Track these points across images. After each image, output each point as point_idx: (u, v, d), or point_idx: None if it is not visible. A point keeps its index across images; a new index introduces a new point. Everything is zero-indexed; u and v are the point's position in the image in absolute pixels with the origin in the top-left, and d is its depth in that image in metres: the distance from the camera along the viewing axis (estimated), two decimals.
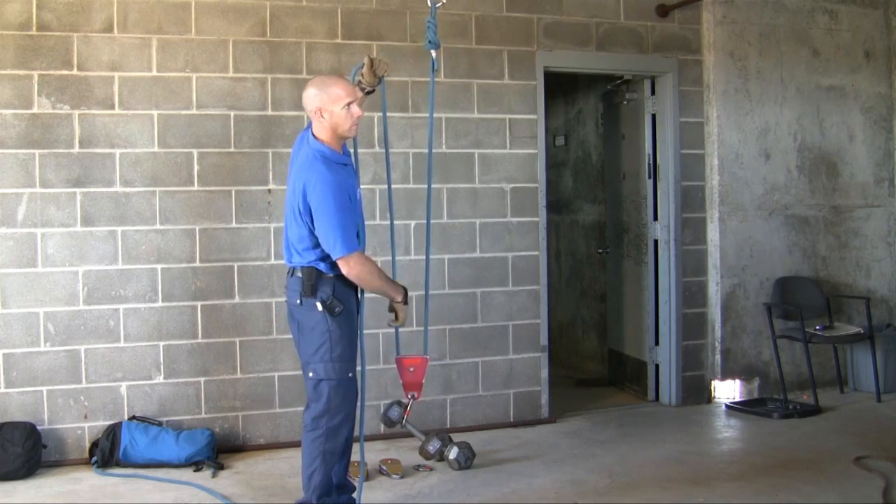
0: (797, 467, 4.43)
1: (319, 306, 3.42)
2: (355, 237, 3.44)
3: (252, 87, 4.89)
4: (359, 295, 3.63)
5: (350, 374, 3.48)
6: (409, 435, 4.76)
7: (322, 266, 3.46)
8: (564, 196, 7.87)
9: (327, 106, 3.45)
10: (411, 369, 3.72)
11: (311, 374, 3.47)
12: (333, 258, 3.41)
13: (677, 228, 5.83)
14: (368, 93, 3.78)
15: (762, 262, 6.00)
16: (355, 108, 3.50)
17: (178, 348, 4.77)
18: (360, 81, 3.71)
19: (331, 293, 3.43)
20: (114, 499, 4.11)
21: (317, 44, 5.00)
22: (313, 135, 3.52)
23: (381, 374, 5.00)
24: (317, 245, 3.44)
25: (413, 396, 3.78)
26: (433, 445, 4.07)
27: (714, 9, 5.84)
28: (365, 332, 4.40)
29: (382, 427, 5.01)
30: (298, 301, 3.46)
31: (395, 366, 3.88)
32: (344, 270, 3.42)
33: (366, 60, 3.70)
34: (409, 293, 3.67)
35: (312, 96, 3.49)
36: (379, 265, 3.62)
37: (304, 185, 3.42)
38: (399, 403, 4.27)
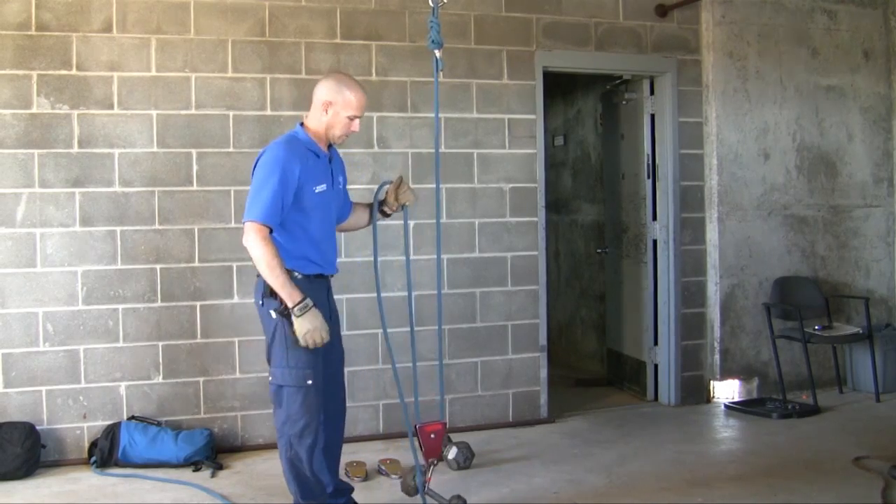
0: (796, 467, 4.43)
1: (273, 313, 3.31)
2: (271, 213, 3.26)
3: (251, 87, 4.89)
4: (328, 300, 3.52)
5: (309, 382, 3.32)
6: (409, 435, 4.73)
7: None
8: (563, 196, 7.87)
9: (337, 106, 3.40)
10: (432, 436, 3.63)
11: (270, 379, 3.39)
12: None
13: (676, 228, 5.83)
14: (385, 214, 3.72)
15: (761, 262, 6.00)
16: (356, 124, 3.46)
17: (176, 348, 4.77)
18: (381, 202, 3.70)
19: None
20: (113, 499, 4.11)
21: (316, 44, 5.00)
22: (302, 123, 3.49)
23: (379, 374, 5.01)
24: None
25: (434, 463, 3.68)
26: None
27: (713, 9, 5.84)
28: (362, 332, 4.36)
29: (381, 426, 5.03)
30: (260, 302, 3.39)
31: (391, 366, 3.85)
32: (243, 237, 3.33)
33: (394, 179, 3.68)
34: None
35: (328, 88, 3.42)
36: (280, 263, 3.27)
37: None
38: (418, 470, 4.02)
